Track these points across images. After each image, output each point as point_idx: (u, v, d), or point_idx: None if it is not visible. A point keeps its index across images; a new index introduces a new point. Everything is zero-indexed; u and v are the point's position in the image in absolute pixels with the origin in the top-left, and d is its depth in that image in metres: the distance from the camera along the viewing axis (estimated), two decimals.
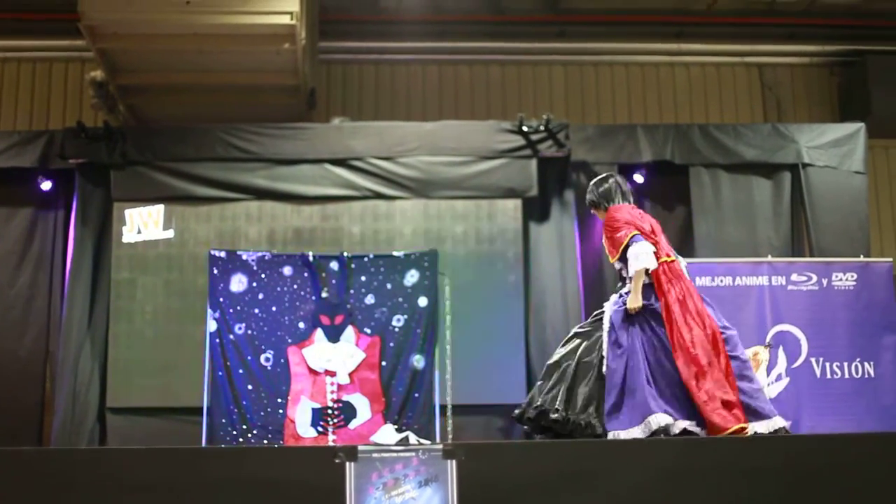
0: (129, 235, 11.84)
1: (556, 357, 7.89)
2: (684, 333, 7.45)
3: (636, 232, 7.67)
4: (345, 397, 10.64)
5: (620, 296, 7.80)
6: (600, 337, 7.77)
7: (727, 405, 7.30)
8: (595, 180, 8.17)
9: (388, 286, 10.99)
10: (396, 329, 10.92)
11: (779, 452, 6.33)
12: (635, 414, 7.37)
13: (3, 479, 6.01)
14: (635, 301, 7.56)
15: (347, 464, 5.91)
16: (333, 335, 10.79)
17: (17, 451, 6.55)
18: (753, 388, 7.53)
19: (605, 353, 7.65)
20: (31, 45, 13.42)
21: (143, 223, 11.87)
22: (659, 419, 7.27)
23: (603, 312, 7.91)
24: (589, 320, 8.10)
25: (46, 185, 12.18)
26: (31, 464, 6.20)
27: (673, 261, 7.75)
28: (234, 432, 10.54)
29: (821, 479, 6.17)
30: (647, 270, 7.61)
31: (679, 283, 7.63)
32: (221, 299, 10.83)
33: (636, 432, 7.28)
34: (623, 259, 7.77)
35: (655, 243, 7.73)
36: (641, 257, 7.55)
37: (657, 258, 7.65)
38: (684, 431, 7.28)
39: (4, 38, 13.31)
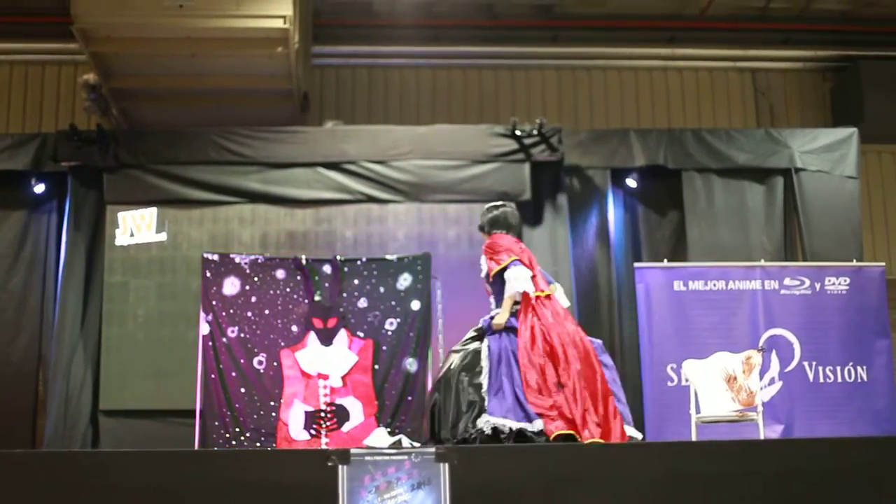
0: (121, 238, 11.82)
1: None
2: (535, 357, 8.08)
3: (516, 258, 8.34)
4: (338, 400, 10.62)
5: (492, 317, 8.43)
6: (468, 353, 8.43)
7: (563, 416, 7.90)
8: (489, 206, 8.88)
9: (381, 290, 10.97)
10: (389, 332, 10.90)
11: (776, 456, 6.34)
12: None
13: None
14: (502, 318, 8.26)
15: (340, 467, 5.93)
16: (326, 338, 10.77)
17: (9, 453, 6.54)
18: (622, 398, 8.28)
19: (483, 364, 8.25)
20: (24, 47, 13.41)
21: (135, 226, 11.85)
22: (492, 420, 7.87)
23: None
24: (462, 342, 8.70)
25: (39, 188, 12.17)
26: (24, 466, 6.20)
27: (548, 296, 8.42)
28: (227, 435, 10.52)
29: (816, 482, 6.18)
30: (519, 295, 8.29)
31: (546, 313, 8.26)
32: (214, 302, 10.82)
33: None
34: (496, 282, 8.47)
35: (532, 277, 8.40)
36: (518, 282, 8.25)
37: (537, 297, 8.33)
38: (519, 432, 7.82)
39: None
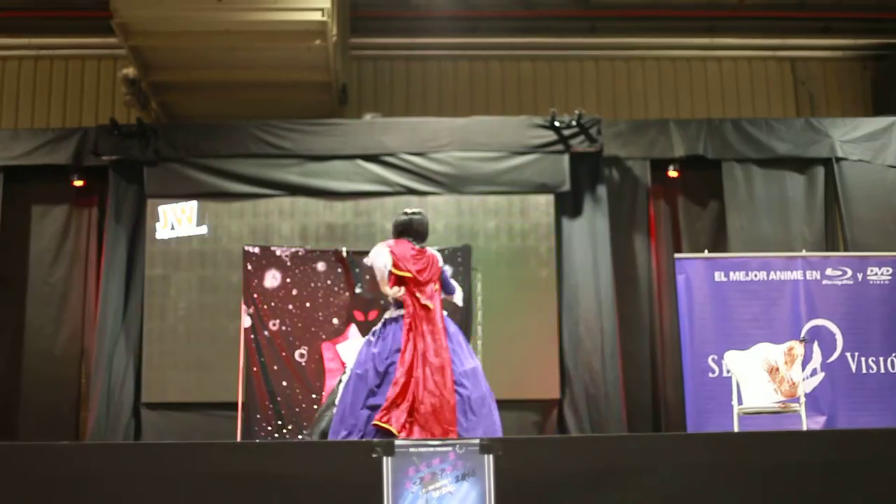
0: (162, 232, 11.89)
1: None
2: (403, 369, 8.03)
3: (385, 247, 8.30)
4: None
5: (374, 332, 8.50)
6: None
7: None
8: (403, 211, 8.73)
9: None
10: None
11: (818, 448, 6.30)
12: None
13: (41, 473, 6.04)
14: (393, 293, 8.26)
15: (385, 458, 5.92)
16: (367, 331, 10.79)
17: (54, 445, 6.58)
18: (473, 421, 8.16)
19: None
20: (64, 42, 13.47)
21: (176, 219, 11.91)
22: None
23: None
24: None
25: (80, 182, 12.26)
26: (69, 458, 6.23)
27: (430, 309, 8.23)
28: (270, 428, 10.57)
29: (859, 474, 6.13)
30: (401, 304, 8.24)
31: (423, 328, 8.16)
32: (255, 295, 10.85)
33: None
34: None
35: (420, 282, 8.25)
36: (378, 258, 8.25)
37: (417, 301, 8.21)
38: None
39: (38, 35, 13.37)
